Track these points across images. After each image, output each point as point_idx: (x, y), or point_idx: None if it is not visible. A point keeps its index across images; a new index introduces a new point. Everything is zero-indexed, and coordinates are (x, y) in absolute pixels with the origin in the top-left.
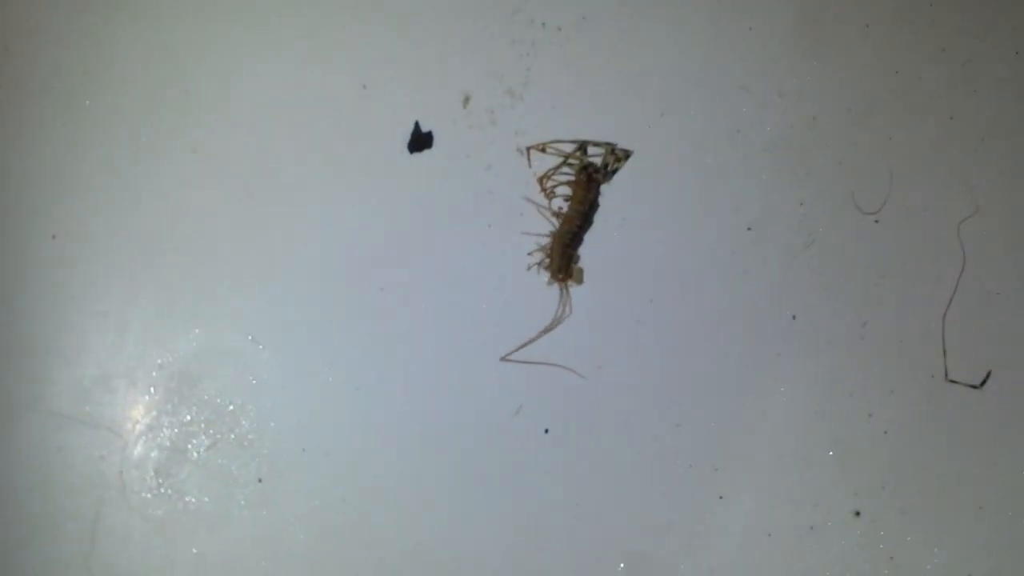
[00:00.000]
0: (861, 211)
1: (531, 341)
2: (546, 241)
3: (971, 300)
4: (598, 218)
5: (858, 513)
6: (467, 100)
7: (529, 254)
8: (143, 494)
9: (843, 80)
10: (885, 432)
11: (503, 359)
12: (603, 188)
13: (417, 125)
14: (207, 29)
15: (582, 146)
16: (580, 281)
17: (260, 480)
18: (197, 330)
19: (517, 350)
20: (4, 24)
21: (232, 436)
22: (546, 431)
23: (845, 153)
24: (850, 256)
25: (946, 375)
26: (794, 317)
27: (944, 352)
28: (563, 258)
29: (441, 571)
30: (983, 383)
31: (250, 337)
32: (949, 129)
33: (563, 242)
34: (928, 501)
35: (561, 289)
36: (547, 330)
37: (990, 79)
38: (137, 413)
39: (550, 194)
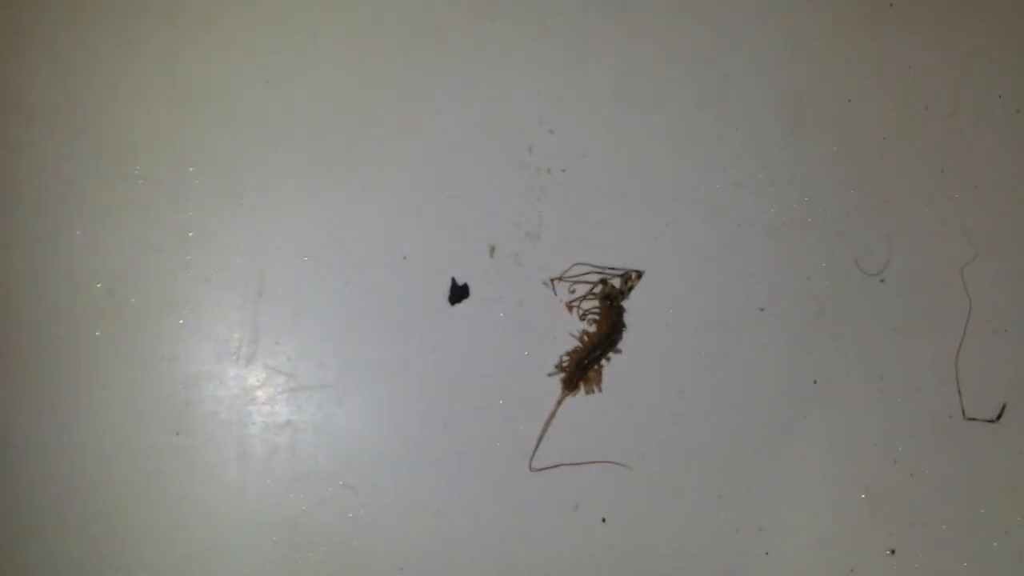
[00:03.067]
0: (866, 273)
1: (541, 438)
2: (568, 357)
3: (980, 339)
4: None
5: (893, 551)
6: (493, 250)
7: (550, 374)
8: None
9: (832, 155)
10: (911, 474)
11: (533, 468)
12: (627, 304)
13: (454, 280)
14: (259, 221)
15: (602, 280)
16: (595, 389)
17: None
18: None
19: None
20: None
21: None
22: (603, 520)
23: (843, 223)
24: (861, 317)
25: (963, 414)
26: (815, 381)
27: (959, 392)
28: (576, 373)
29: None
30: (999, 416)
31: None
32: (941, 181)
33: (579, 359)
34: (957, 532)
35: (569, 395)
36: (546, 426)
37: (977, 126)
38: None
39: (583, 316)
